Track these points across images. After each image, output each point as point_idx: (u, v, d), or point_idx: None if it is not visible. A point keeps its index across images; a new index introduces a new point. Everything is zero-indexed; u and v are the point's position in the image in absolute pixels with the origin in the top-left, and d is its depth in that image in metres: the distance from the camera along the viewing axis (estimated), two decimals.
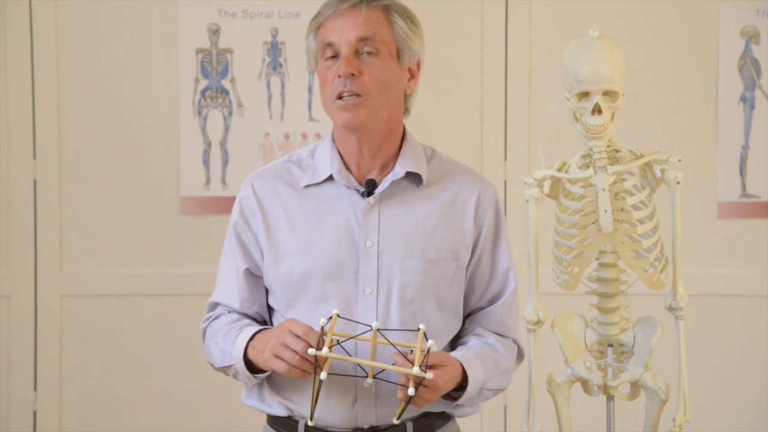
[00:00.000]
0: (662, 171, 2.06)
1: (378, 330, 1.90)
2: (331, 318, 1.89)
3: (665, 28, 3.73)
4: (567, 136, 2.54)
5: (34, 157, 3.72)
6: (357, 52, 2.00)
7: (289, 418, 2.06)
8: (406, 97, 2.09)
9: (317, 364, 1.86)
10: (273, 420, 2.09)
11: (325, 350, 1.83)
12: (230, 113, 3.75)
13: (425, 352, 1.86)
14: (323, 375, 1.84)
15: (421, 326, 1.91)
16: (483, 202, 2.10)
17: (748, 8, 3.71)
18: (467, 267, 2.09)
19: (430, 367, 1.88)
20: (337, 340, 1.88)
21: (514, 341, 2.14)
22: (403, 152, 2.08)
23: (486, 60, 3.74)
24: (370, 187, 2.05)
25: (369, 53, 2.00)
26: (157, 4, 3.73)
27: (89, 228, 3.73)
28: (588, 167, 2.06)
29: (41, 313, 3.73)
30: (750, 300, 3.74)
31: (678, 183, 2.04)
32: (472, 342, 2.08)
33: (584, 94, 2.02)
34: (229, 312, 2.11)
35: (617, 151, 2.07)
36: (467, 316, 2.13)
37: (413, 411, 2.02)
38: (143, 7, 3.73)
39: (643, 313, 2.16)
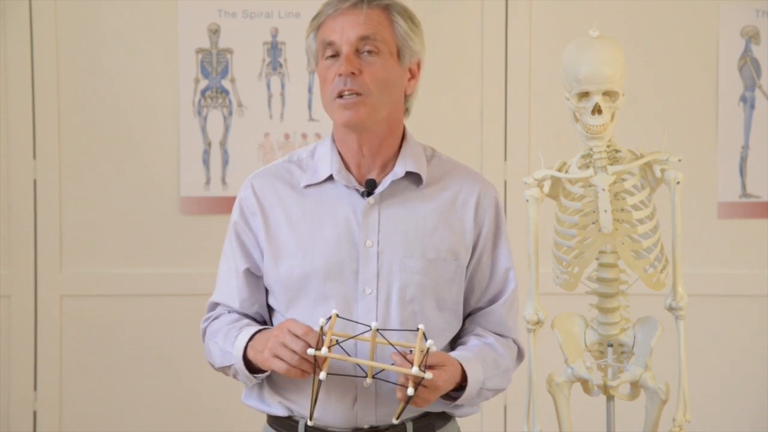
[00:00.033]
0: (662, 171, 2.06)
1: (377, 330, 1.90)
2: (330, 318, 1.89)
3: (665, 28, 3.73)
4: (567, 136, 2.54)
5: (34, 157, 3.72)
6: (358, 51, 2.00)
7: (289, 418, 2.06)
8: (407, 97, 2.09)
9: (316, 364, 1.86)
10: (273, 420, 2.09)
11: (324, 350, 1.83)
12: (230, 113, 3.75)
13: (424, 352, 1.87)
14: (322, 375, 1.84)
15: (420, 326, 1.91)
16: (483, 202, 2.10)
17: (748, 8, 3.71)
18: (467, 267, 2.09)
19: (430, 367, 1.88)
20: (337, 340, 1.88)
21: (514, 341, 2.14)
22: (403, 152, 2.08)
23: (486, 60, 3.74)
24: (370, 187, 2.05)
25: (369, 52, 2.01)
26: (157, 4, 3.73)
27: (89, 228, 3.73)
28: (588, 167, 2.06)
29: (41, 313, 3.73)
30: (750, 300, 3.73)
31: (678, 183, 2.04)
32: (471, 342, 2.08)
33: (584, 94, 2.02)
34: (229, 312, 2.11)
35: (617, 151, 2.07)
36: (467, 316, 2.13)
37: (413, 411, 2.02)
38: (143, 7, 3.73)
39: (643, 313, 2.16)
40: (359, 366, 1.92)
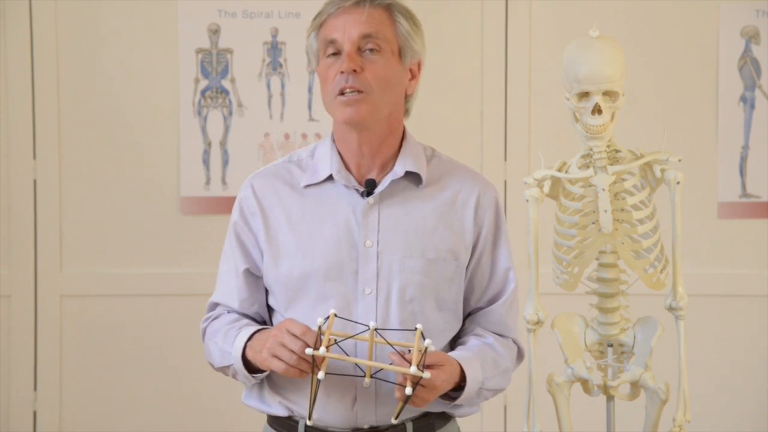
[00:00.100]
0: (662, 171, 2.06)
1: (375, 329, 1.90)
2: (328, 318, 1.89)
3: (665, 28, 3.73)
4: (567, 136, 2.54)
5: (34, 157, 3.72)
6: (359, 50, 2.01)
7: (289, 418, 2.06)
8: (407, 98, 2.10)
9: (315, 363, 1.86)
10: (273, 420, 2.09)
11: (322, 350, 1.84)
12: (230, 113, 3.75)
13: (422, 351, 1.87)
14: (321, 375, 1.84)
15: (419, 326, 1.91)
16: (483, 202, 2.10)
17: (748, 8, 3.71)
18: (467, 267, 2.09)
19: (428, 367, 1.88)
20: (335, 340, 1.88)
21: (514, 341, 2.14)
22: (403, 152, 2.08)
23: (486, 60, 3.74)
24: (369, 187, 2.05)
25: (371, 50, 2.01)
26: (157, 4, 3.73)
27: (89, 228, 3.73)
28: (588, 167, 2.06)
29: (41, 313, 3.73)
30: (750, 300, 3.74)
31: (678, 183, 2.04)
32: (471, 342, 2.08)
33: (584, 94, 2.02)
34: (228, 312, 2.11)
35: (617, 151, 2.07)
36: (467, 316, 2.13)
37: (413, 411, 2.02)
38: (143, 7, 3.73)
39: (643, 313, 2.16)
40: (358, 366, 1.92)
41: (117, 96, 3.73)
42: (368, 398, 2.00)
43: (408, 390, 1.85)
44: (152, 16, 3.73)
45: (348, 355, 1.90)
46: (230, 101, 3.75)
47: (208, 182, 3.73)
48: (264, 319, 2.12)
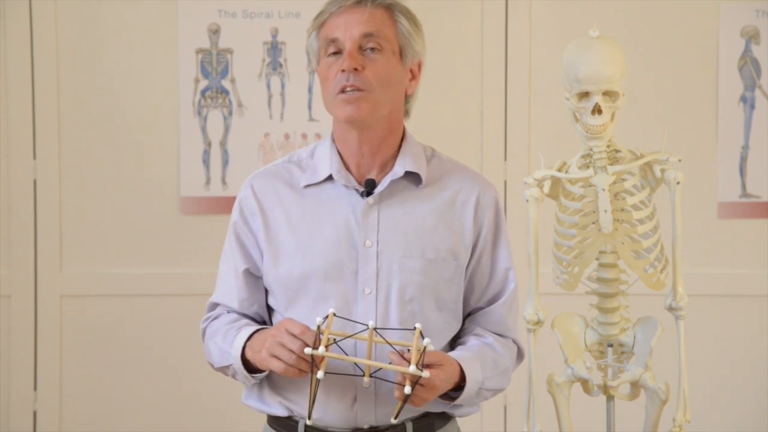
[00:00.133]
0: (662, 171, 2.06)
1: (374, 329, 1.90)
2: (327, 317, 1.89)
3: (665, 28, 3.73)
4: (567, 136, 2.54)
5: (34, 157, 3.72)
6: (361, 48, 2.01)
7: (289, 418, 2.06)
8: (407, 98, 2.10)
9: (314, 363, 1.86)
10: (273, 420, 2.09)
11: (321, 349, 1.84)
12: (230, 113, 3.75)
13: (421, 350, 1.87)
14: (320, 374, 1.84)
15: (417, 325, 1.91)
16: (483, 202, 2.10)
17: (748, 8, 3.71)
18: (467, 267, 2.09)
19: (427, 366, 1.89)
20: (334, 339, 1.88)
21: (514, 341, 2.14)
22: (403, 152, 2.08)
23: (486, 60, 3.74)
24: (369, 187, 2.05)
25: (372, 49, 2.01)
26: (157, 4, 3.73)
27: (89, 228, 3.73)
28: (588, 167, 2.06)
29: (41, 313, 3.73)
30: (750, 300, 3.73)
31: (678, 183, 2.04)
32: (471, 342, 2.08)
33: (584, 94, 2.02)
34: (228, 312, 2.11)
35: (617, 151, 2.07)
36: (467, 316, 2.13)
37: (413, 411, 2.02)
38: (143, 7, 3.73)
39: (643, 313, 2.16)
40: (357, 365, 1.92)
41: (117, 96, 3.73)
42: (368, 398, 2.00)
43: (407, 389, 1.85)
44: (152, 16, 3.73)
45: (347, 355, 1.90)
46: (230, 101, 3.75)
47: (208, 182, 3.73)
48: (264, 319, 2.12)
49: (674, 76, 3.74)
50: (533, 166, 3.63)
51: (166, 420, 3.74)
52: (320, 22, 2.05)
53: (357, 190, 2.06)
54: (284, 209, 2.07)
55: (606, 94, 2.01)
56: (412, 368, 1.84)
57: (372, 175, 2.07)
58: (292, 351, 1.89)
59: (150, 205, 3.73)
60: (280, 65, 3.74)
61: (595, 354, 2.15)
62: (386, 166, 2.07)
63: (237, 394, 2.17)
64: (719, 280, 3.72)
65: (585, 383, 2.13)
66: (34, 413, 3.74)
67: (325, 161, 2.08)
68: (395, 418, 1.91)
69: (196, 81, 3.73)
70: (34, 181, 3.72)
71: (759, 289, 3.72)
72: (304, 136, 3.75)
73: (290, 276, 2.04)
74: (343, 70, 1.99)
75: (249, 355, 2.00)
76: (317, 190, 2.08)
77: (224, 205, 3.68)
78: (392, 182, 2.05)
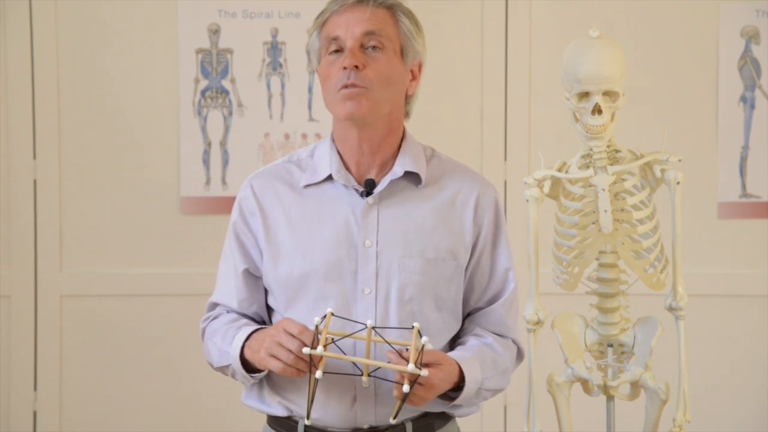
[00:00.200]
0: (662, 171, 2.06)
1: (373, 328, 1.90)
2: (325, 316, 1.89)
3: (665, 28, 3.73)
4: (567, 136, 2.54)
5: (34, 157, 3.72)
6: (362, 47, 2.01)
7: (288, 418, 2.06)
8: (407, 99, 2.10)
9: (312, 362, 1.86)
10: (273, 420, 2.09)
11: (319, 349, 1.83)
12: (230, 113, 3.75)
13: (419, 349, 1.87)
14: (318, 374, 1.84)
15: (416, 324, 1.91)
16: (482, 202, 2.10)
17: (748, 8, 3.71)
18: (467, 267, 2.09)
19: (426, 365, 1.89)
20: (332, 339, 1.88)
21: (514, 341, 2.14)
22: (403, 152, 2.08)
23: (486, 60, 3.74)
24: (369, 187, 2.05)
25: (374, 48, 2.01)
26: (157, 4, 3.73)
27: (89, 228, 3.74)
28: (588, 167, 2.06)
29: (41, 313, 3.73)
30: (750, 300, 3.74)
31: (678, 183, 2.04)
32: (470, 342, 2.08)
33: (584, 94, 2.02)
34: (227, 312, 2.11)
35: (617, 151, 2.07)
36: (467, 316, 2.13)
37: (413, 411, 2.02)
38: (143, 7, 3.73)
39: (643, 313, 2.16)
40: (356, 365, 1.92)
41: (117, 96, 3.73)
42: (368, 398, 2.00)
43: (405, 387, 1.85)
44: (152, 16, 3.73)
45: (346, 354, 1.90)
46: (230, 101, 3.75)
47: (208, 182, 3.74)
48: (263, 319, 2.12)
49: (674, 76, 3.74)
50: (533, 166, 3.63)
51: (166, 420, 3.74)
52: (322, 21, 2.05)
53: (357, 190, 2.06)
54: (284, 209, 2.07)
55: (606, 94, 2.01)
56: (410, 366, 1.84)
57: (372, 175, 2.07)
58: (290, 351, 1.89)
59: (150, 205, 3.73)
60: (280, 65, 3.74)
61: (595, 354, 2.15)
62: (386, 165, 2.07)
63: (237, 394, 2.17)
64: (719, 280, 3.72)
65: (585, 383, 2.13)
66: (34, 413, 3.74)
67: (325, 161, 2.08)
68: (394, 418, 1.91)
69: (196, 81, 3.73)
70: (34, 181, 3.73)
71: (759, 289, 3.72)
72: (304, 136, 3.75)
73: (290, 276, 2.04)
74: (344, 68, 1.99)
75: (248, 354, 2.00)
76: (317, 190, 2.08)
77: (224, 205, 3.68)
78: (392, 182, 2.05)
